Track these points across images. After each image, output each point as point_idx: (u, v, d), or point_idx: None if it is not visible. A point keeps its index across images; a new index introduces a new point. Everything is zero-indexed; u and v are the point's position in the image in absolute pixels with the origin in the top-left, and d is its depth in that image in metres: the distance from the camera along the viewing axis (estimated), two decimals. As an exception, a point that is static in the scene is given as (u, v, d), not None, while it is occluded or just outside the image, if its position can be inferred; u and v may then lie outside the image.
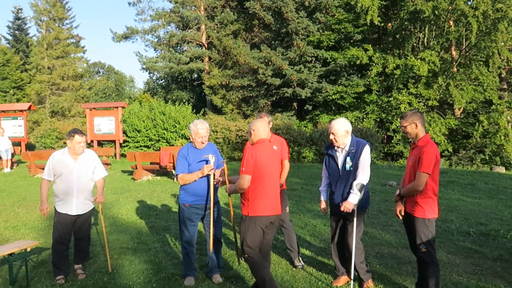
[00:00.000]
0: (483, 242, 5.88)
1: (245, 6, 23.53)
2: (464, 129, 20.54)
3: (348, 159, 4.11)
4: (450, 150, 19.51)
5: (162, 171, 12.77)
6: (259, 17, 23.50)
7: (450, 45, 20.88)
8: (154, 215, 7.68)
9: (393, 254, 5.36)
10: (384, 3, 21.14)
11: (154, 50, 29.60)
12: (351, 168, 4.09)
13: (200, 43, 27.24)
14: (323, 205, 4.46)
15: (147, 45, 28.76)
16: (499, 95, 20.81)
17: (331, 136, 4.15)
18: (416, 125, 3.84)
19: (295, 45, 21.96)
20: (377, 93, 21.77)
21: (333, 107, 23.20)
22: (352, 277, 4.13)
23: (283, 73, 21.91)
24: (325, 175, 4.48)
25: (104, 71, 48.00)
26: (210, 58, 26.66)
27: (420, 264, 3.90)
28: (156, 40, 28.10)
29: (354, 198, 4.00)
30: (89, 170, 4.67)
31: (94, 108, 19.22)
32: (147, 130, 18.62)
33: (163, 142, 18.59)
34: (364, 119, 21.22)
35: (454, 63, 19.94)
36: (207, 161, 4.39)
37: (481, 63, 19.74)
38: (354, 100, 22.00)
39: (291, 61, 22.26)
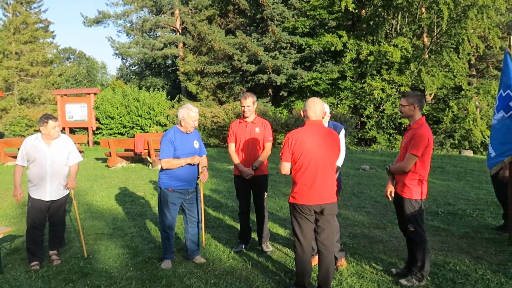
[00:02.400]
0: (451, 221, 6.13)
1: (219, -9, 23.26)
2: (435, 114, 21.04)
3: None
4: (421, 135, 19.96)
5: (137, 158, 12.67)
6: (234, 2, 23.30)
7: (422, 32, 21.22)
8: (129, 201, 7.65)
9: (366, 234, 5.53)
10: (359, -10, 21.27)
11: (127, 35, 29.06)
12: None
13: (174, 29, 26.82)
14: None
15: (119, 30, 28.23)
16: (468, 81, 21.35)
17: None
18: (415, 107, 3.93)
19: (270, 31, 21.89)
20: (351, 79, 21.99)
21: (308, 94, 23.27)
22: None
23: (259, 59, 21.84)
24: None
25: (75, 57, 46.66)
26: (184, 44, 26.32)
27: (409, 243, 4.06)
28: (128, 25, 27.54)
29: None
30: (63, 155, 4.62)
31: (65, 95, 18.79)
32: (120, 117, 18.36)
33: (137, 129, 18.39)
34: (339, 105, 21.44)
35: (426, 49, 20.32)
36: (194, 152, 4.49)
37: (452, 50, 20.17)
38: (329, 87, 22.16)
39: (266, 48, 22.20)
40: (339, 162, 4.13)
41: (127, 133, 18.59)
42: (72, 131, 19.13)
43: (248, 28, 24.08)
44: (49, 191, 4.53)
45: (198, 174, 4.57)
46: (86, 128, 18.64)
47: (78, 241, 5.30)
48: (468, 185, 9.01)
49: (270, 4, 21.58)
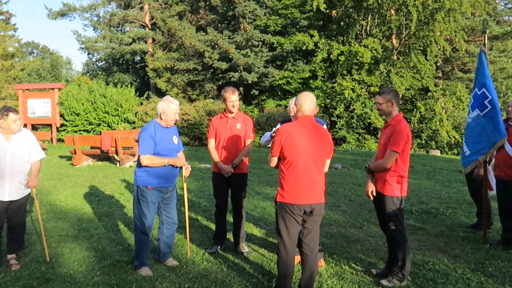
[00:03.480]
0: (425, 219, 6.13)
1: (190, -13, 22.87)
2: (403, 114, 21.39)
3: None
4: (390, 134, 20.28)
5: (104, 156, 12.19)
6: (205, -1, 22.97)
7: (391, 33, 21.58)
8: (95, 201, 7.28)
9: (342, 233, 5.44)
10: (330, -10, 21.39)
11: (94, 29, 28.14)
12: None
13: (144, 24, 26.18)
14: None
15: (86, 24, 27.23)
16: (435, 83, 21.88)
17: (293, 113, 4.08)
18: (392, 104, 3.85)
19: (242, 29, 21.71)
20: (322, 79, 22.10)
21: (279, 92, 23.28)
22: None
23: (230, 57, 21.62)
24: (269, 136, 4.48)
25: (38, 51, 44.87)
26: (154, 40, 25.73)
27: (390, 242, 3.96)
28: (95, 19, 26.63)
29: None
30: (24, 152, 4.26)
31: (27, 90, 17.95)
32: (86, 114, 17.72)
33: (104, 126, 17.79)
34: (310, 105, 21.48)
35: (395, 51, 20.66)
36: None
37: (419, 51, 20.59)
38: (300, 86, 22.16)
39: (238, 45, 21.99)
40: None
41: (93, 130, 17.95)
42: (34, 127, 18.29)
43: (219, 25, 23.80)
44: (8, 191, 4.16)
45: (180, 171, 4.33)
46: (50, 125, 17.86)
47: (40, 243, 4.94)
48: (438, 183, 9.13)
49: (242, 2, 21.40)
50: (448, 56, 21.86)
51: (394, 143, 3.69)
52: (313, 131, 3.42)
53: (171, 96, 18.99)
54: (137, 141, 12.00)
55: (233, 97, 4.61)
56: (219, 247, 4.81)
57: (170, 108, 4.12)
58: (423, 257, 4.51)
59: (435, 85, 21.59)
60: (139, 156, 4.07)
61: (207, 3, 23.94)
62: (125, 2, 25.92)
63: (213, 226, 5.69)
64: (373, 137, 20.76)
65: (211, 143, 4.77)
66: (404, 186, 3.81)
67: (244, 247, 4.76)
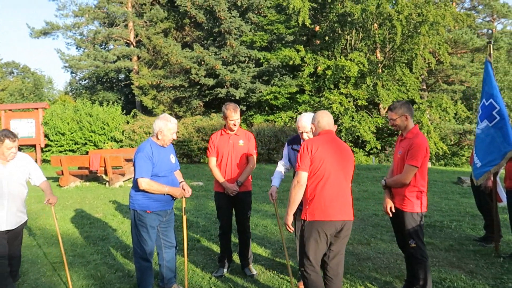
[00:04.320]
0: (432, 233, 6.00)
1: (175, 4, 22.79)
2: (390, 127, 21.57)
3: None
4: (379, 147, 20.38)
5: (92, 176, 11.84)
6: (191, 16, 22.93)
7: (376, 47, 21.84)
8: (88, 224, 6.97)
9: (350, 250, 5.25)
10: (315, 5, 21.59)
11: (77, 48, 27.74)
12: None
13: (128, 41, 25.97)
14: (271, 190, 4.16)
15: (69, 42, 26.78)
16: (421, 95, 22.15)
17: (305, 135, 3.95)
18: (406, 117, 3.72)
19: (228, 45, 21.69)
20: (310, 93, 22.16)
21: (267, 108, 23.25)
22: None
23: (217, 73, 21.53)
24: (285, 165, 4.27)
25: (18, 71, 44.18)
26: (139, 57, 25.52)
27: (409, 260, 3.80)
28: (79, 37, 26.32)
29: None
30: (22, 175, 3.95)
31: (10, 110, 17.46)
32: (72, 133, 17.31)
33: (90, 145, 17.39)
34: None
35: (380, 64, 20.88)
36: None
37: (404, 64, 20.86)
38: (287, 101, 22.19)
39: (224, 61, 21.94)
40: None
41: (79, 150, 17.52)
42: (18, 149, 17.77)
43: (205, 41, 23.75)
44: (6, 219, 3.81)
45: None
46: (34, 146, 17.37)
47: (34, 272, 4.64)
48: (436, 195, 9.05)
49: (227, 18, 21.42)
50: (432, 69, 22.20)
51: (413, 157, 3.56)
52: (337, 144, 3.32)
53: (158, 114, 18.67)
54: (127, 160, 11.75)
55: (235, 115, 4.45)
56: (225, 270, 4.58)
57: (168, 127, 3.91)
58: (438, 273, 4.36)
59: (421, 97, 21.85)
60: (136, 178, 3.81)
61: (192, 20, 23.91)
62: (109, 20, 25.72)
63: (215, 247, 5.47)
64: (361, 150, 20.79)
65: (212, 162, 4.56)
66: (424, 201, 3.67)
67: (252, 269, 4.54)
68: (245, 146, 4.52)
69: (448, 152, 21.14)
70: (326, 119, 3.35)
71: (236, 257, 4.81)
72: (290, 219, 3.30)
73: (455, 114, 21.15)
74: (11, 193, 3.84)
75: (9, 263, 3.96)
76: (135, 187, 3.88)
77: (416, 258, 3.66)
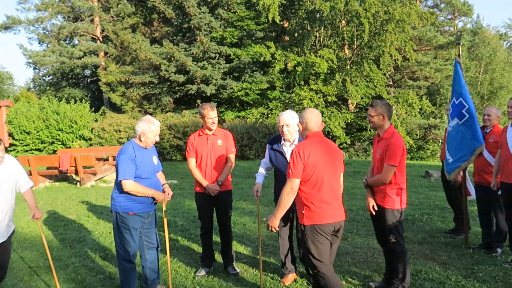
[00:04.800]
0: (405, 227, 6.15)
1: (143, -1, 22.45)
2: (358, 122, 22.06)
3: None
4: (348, 142, 20.81)
5: (62, 176, 11.55)
6: (159, 11, 22.61)
7: (344, 44, 22.23)
8: (62, 226, 6.83)
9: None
10: (284, 2, 21.73)
11: (40, 43, 26.84)
12: None
13: (94, 37, 25.33)
14: (256, 187, 4.25)
15: (31, 38, 25.91)
16: (388, 91, 22.73)
17: (285, 129, 3.99)
18: (384, 117, 3.83)
19: (198, 41, 21.54)
20: (280, 89, 22.34)
21: (238, 104, 23.27)
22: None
23: (187, 69, 21.35)
24: (265, 165, 4.34)
25: (-24, 67, 42.26)
26: (106, 53, 24.94)
27: (389, 255, 3.94)
28: (42, 32, 25.44)
29: None
30: (12, 183, 3.68)
31: (-30, 108, 16.72)
32: (38, 132, 16.79)
33: (58, 144, 16.93)
34: (269, 115, 21.61)
35: (348, 61, 21.28)
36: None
37: (372, 61, 21.34)
38: (258, 97, 22.28)
39: (194, 57, 21.78)
40: None
41: (46, 149, 17.01)
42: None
43: (174, 37, 23.49)
44: (1, 231, 3.58)
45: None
46: (-3, 145, 16.74)
47: (10, 277, 4.52)
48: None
49: (197, 14, 21.26)
50: (398, 65, 22.80)
51: (391, 157, 3.70)
52: (326, 146, 3.38)
53: (127, 111, 18.29)
54: (98, 159, 11.51)
55: (212, 113, 4.46)
56: (208, 269, 4.61)
57: (151, 129, 3.90)
58: (414, 266, 4.55)
59: (388, 93, 22.42)
60: (120, 180, 3.79)
61: (161, 16, 23.57)
62: (74, 14, 25.00)
63: (195, 247, 5.49)
64: (332, 145, 21.15)
65: (192, 163, 4.58)
66: (404, 198, 3.82)
67: (235, 268, 4.59)
68: (223, 145, 4.56)
69: (414, 146, 21.83)
70: (314, 120, 3.38)
71: (218, 256, 4.86)
72: (277, 222, 3.35)
73: (420, 109, 21.84)
74: (5, 204, 3.59)
75: None
76: (118, 189, 3.86)
77: (396, 253, 3.82)
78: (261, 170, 4.40)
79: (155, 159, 4.11)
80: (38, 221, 3.96)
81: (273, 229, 3.38)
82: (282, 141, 4.14)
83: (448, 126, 5.22)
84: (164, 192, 4.11)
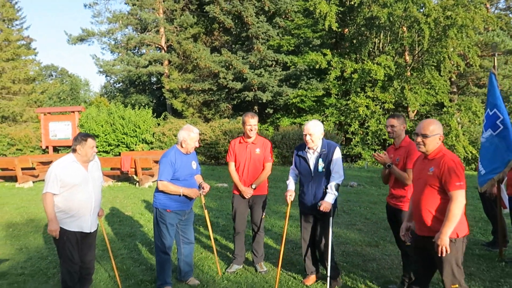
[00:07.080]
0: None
1: (205, 10, 23.48)
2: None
3: (320, 160, 4.22)
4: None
5: (123, 177, 12.51)
6: (219, 21, 23.54)
7: (404, 50, 21.74)
8: (117, 222, 7.51)
9: (358, 252, 5.53)
10: (342, 9, 21.72)
11: (111, 53, 28.94)
12: (323, 169, 4.20)
13: (159, 46, 26.90)
14: (289, 193, 4.47)
15: (103, 48, 28.08)
16: (450, 98, 21.86)
17: (308, 137, 4.24)
18: (403, 127, 4.18)
19: (256, 49, 22.14)
20: (336, 96, 22.30)
21: (294, 111, 23.54)
22: (329, 274, 4.19)
23: (244, 77, 22.01)
24: (293, 173, 4.59)
25: (57, 74, 46.27)
26: (169, 62, 26.38)
27: (405, 258, 4.10)
28: (113, 42, 27.47)
29: (331, 197, 4.13)
30: (100, 179, 4.14)
31: (49, 113, 18.51)
32: (105, 135, 18.18)
33: (122, 147, 18.21)
34: (324, 122, 21.65)
35: (408, 67, 20.78)
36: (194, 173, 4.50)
37: (433, 67, 20.67)
38: (314, 104, 22.41)
39: (251, 65, 22.40)
40: (340, 179, 4.16)
41: (112, 151, 18.39)
42: (56, 149, 18.82)
43: (233, 46, 24.31)
44: (91, 221, 3.95)
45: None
46: (70, 147, 18.36)
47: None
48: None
49: (255, 23, 21.86)
50: (462, 71, 21.85)
51: (412, 161, 3.85)
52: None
53: (187, 116, 19.19)
54: (156, 162, 12.35)
55: (252, 121, 4.81)
56: (238, 266, 4.96)
57: (190, 137, 4.35)
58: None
59: (450, 100, 21.58)
60: (158, 180, 4.30)
61: (221, 25, 24.51)
62: (142, 26, 26.72)
63: (231, 245, 5.86)
64: (388, 153, 20.71)
65: (231, 166, 4.96)
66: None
67: (263, 266, 4.90)
68: (261, 154, 4.88)
69: (478, 156, 20.75)
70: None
71: (249, 255, 5.19)
72: (447, 240, 3.10)
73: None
74: (96, 196, 3.99)
75: (86, 267, 4.04)
76: (157, 188, 4.35)
77: (410, 256, 3.93)
78: (291, 177, 4.66)
79: (194, 164, 4.53)
80: (100, 218, 4.27)
81: (447, 249, 3.11)
82: (307, 149, 4.39)
83: (482, 137, 5.17)
84: (199, 188, 4.50)
